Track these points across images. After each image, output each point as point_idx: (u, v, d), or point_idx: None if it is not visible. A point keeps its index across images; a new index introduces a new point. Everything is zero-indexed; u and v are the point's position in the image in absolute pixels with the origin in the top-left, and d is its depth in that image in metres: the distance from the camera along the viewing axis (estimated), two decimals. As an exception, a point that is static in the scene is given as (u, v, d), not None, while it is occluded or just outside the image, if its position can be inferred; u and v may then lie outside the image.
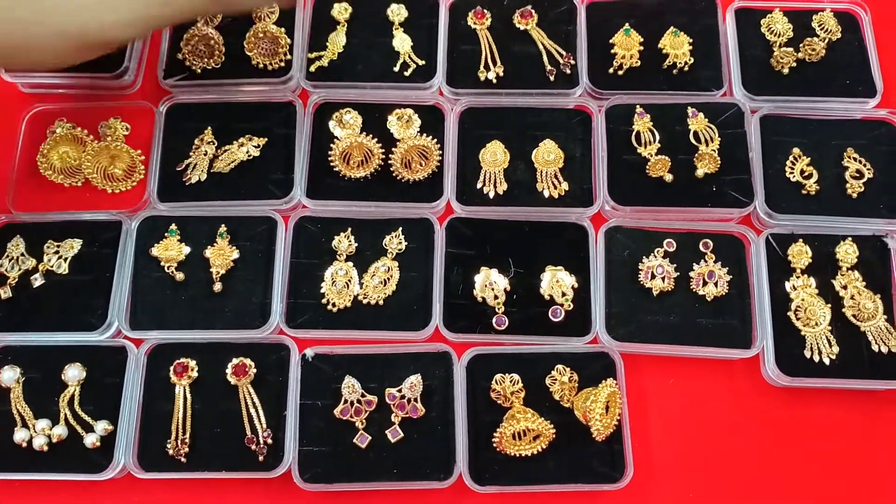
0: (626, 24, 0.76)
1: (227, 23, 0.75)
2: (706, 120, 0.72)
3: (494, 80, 0.75)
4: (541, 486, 0.62)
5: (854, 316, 0.66)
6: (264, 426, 0.62)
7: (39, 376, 0.64)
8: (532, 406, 0.63)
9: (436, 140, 0.71)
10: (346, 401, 0.63)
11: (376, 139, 0.71)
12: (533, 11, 0.77)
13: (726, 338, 0.66)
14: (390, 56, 0.76)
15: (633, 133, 0.72)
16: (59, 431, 0.62)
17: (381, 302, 0.67)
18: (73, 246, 0.68)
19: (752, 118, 0.73)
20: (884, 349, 0.65)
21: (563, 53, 0.76)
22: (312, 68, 0.75)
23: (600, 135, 0.72)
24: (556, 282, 0.67)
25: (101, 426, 0.62)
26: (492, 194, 0.71)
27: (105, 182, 0.71)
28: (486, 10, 0.77)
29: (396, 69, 0.75)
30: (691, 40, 0.76)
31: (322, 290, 0.67)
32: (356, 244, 0.69)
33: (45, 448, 0.61)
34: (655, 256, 0.69)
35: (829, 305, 0.67)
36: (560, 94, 0.75)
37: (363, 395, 0.63)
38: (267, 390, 0.64)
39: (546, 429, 0.61)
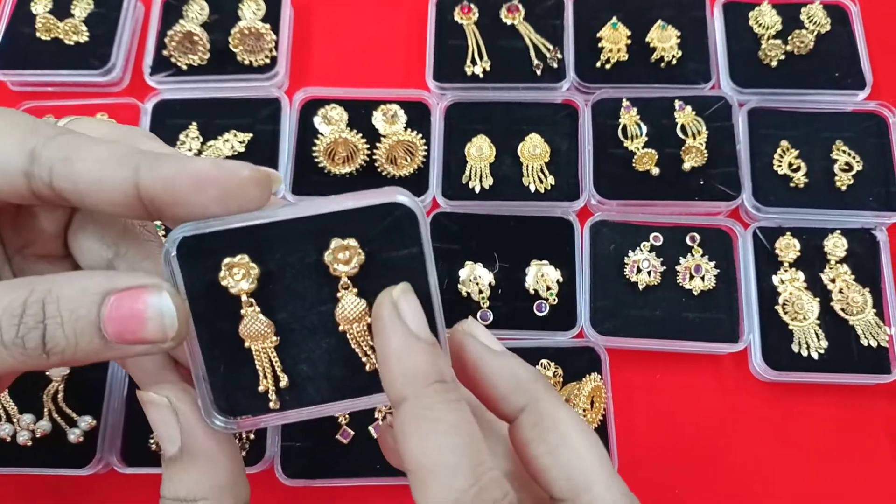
0: (614, 18, 0.76)
1: (213, 20, 0.75)
2: (693, 113, 0.72)
3: (481, 75, 0.75)
4: (524, 481, 0.61)
5: (843, 310, 0.65)
6: (247, 421, 0.62)
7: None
8: (516, 401, 0.62)
9: (421, 135, 0.71)
10: (328, 396, 0.63)
11: (361, 135, 0.71)
12: (520, 6, 0.77)
13: (713, 332, 0.66)
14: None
15: (620, 127, 0.72)
16: (44, 426, 0.62)
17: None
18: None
19: (740, 111, 0.72)
20: (873, 343, 0.65)
21: (550, 47, 0.75)
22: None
23: (587, 129, 0.72)
24: (542, 276, 0.67)
25: (85, 421, 0.62)
26: (477, 189, 0.71)
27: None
28: (472, 5, 0.77)
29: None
30: (679, 34, 0.75)
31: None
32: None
33: (29, 443, 0.61)
34: (642, 250, 0.68)
35: (818, 299, 0.66)
36: (547, 89, 0.74)
37: (346, 390, 0.63)
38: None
39: (529, 423, 0.61)
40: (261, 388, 0.30)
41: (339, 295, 0.29)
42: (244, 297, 0.28)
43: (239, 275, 0.28)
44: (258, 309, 0.28)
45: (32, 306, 0.27)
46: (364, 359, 0.30)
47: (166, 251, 0.28)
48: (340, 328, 0.29)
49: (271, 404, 0.30)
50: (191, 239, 0.27)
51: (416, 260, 0.29)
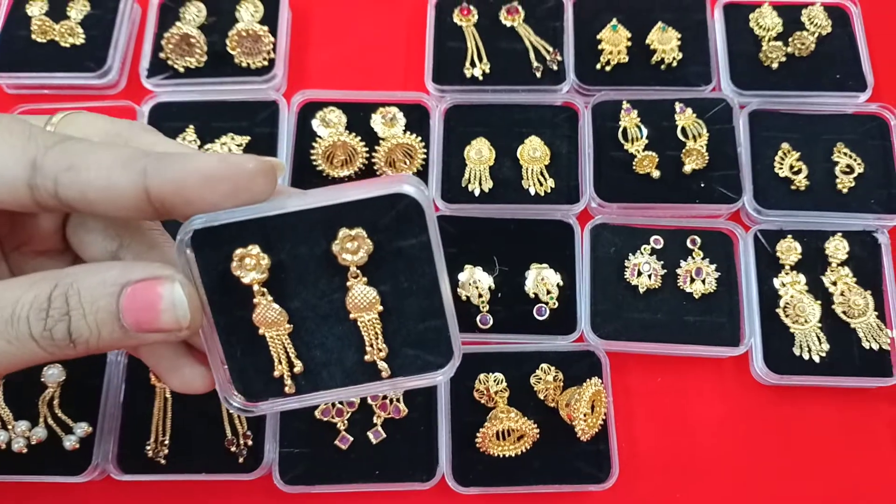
0: (614, 20, 0.75)
1: (211, 22, 0.75)
2: (694, 115, 0.71)
3: (481, 77, 0.74)
4: (525, 486, 0.61)
5: (844, 312, 0.65)
6: (244, 428, 0.62)
7: (19, 377, 0.63)
8: (516, 406, 0.62)
9: (420, 139, 0.71)
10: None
11: (360, 138, 0.70)
12: (519, 8, 0.77)
13: (714, 335, 0.65)
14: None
15: (620, 129, 0.71)
16: (39, 433, 0.61)
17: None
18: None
19: (741, 113, 0.72)
20: (874, 346, 0.64)
21: (550, 50, 0.75)
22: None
23: (587, 131, 0.71)
24: (542, 279, 0.66)
25: (81, 428, 0.61)
26: (477, 192, 0.70)
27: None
28: (472, 7, 0.77)
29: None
30: (679, 36, 0.75)
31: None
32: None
33: (25, 450, 0.61)
34: (642, 253, 0.68)
35: (819, 302, 0.65)
36: (547, 91, 0.74)
37: (345, 396, 0.63)
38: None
39: (530, 429, 0.60)
40: (276, 374, 0.30)
41: (348, 284, 0.29)
42: (256, 287, 0.29)
43: (250, 265, 0.28)
44: (270, 298, 0.29)
45: (57, 300, 0.27)
46: (368, 348, 0.30)
47: (180, 241, 0.28)
48: (351, 316, 0.30)
49: (286, 389, 0.31)
50: (203, 231, 0.28)
51: (424, 249, 0.29)
